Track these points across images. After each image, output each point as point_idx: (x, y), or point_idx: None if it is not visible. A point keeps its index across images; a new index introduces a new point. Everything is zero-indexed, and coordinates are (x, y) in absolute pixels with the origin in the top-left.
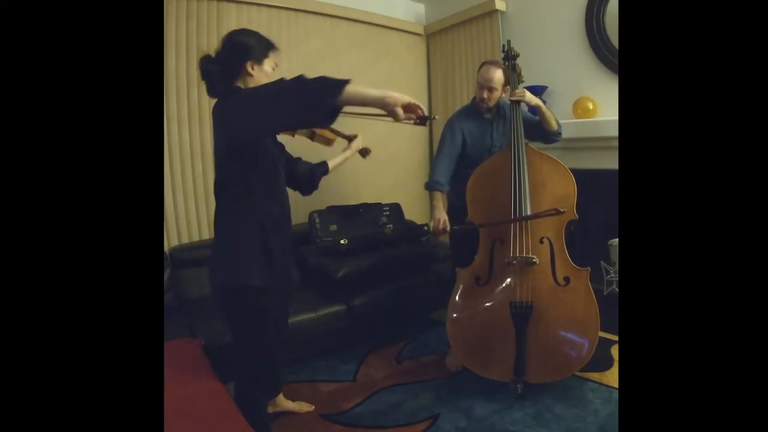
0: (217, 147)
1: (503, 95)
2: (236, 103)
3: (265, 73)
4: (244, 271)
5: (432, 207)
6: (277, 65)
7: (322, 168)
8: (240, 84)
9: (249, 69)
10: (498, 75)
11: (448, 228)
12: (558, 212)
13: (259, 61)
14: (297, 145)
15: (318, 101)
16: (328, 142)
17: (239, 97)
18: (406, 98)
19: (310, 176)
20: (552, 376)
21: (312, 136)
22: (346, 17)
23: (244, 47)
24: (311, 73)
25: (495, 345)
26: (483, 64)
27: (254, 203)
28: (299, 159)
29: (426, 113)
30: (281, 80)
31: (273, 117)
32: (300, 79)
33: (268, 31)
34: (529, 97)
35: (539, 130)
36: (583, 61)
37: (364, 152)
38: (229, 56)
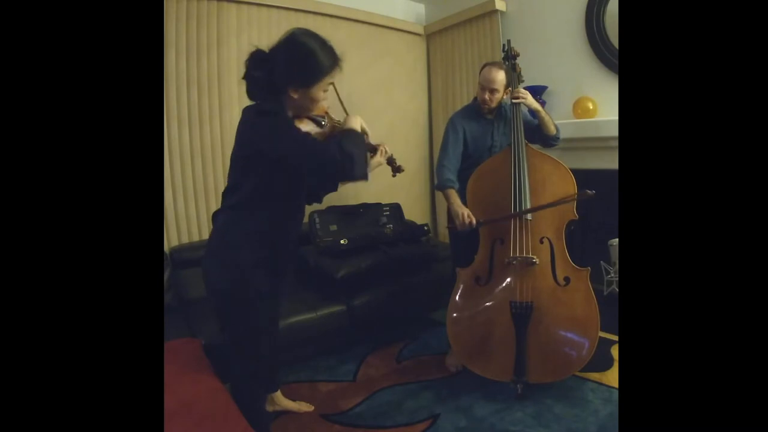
0: (237, 153)
1: (505, 96)
2: (277, 132)
3: (311, 98)
4: (248, 279)
5: (450, 204)
6: (330, 85)
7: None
8: (279, 102)
9: (291, 93)
10: (500, 76)
11: (474, 221)
12: (573, 198)
13: (306, 86)
14: None
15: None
16: None
17: (279, 131)
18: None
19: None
20: (552, 376)
21: None
22: (346, 17)
23: (293, 69)
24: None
25: (495, 345)
26: (485, 65)
27: (268, 214)
28: None
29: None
30: (325, 148)
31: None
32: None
33: (267, 31)
34: (531, 100)
35: (538, 133)
36: (583, 61)
37: (396, 170)
38: (276, 71)
